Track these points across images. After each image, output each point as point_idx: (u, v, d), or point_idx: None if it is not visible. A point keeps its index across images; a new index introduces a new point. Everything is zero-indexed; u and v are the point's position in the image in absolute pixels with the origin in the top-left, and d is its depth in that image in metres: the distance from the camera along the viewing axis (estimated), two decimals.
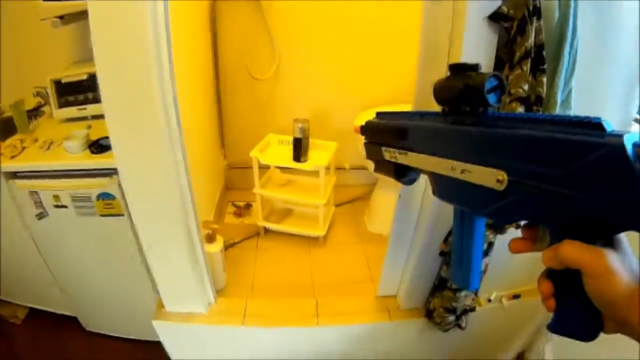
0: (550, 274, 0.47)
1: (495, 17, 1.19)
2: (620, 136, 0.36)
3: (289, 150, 2.36)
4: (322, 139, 2.46)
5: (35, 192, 1.62)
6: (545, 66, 1.17)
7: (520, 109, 1.19)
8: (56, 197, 1.61)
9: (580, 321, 0.45)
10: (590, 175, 0.38)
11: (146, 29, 1.13)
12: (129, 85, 1.21)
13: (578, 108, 1.25)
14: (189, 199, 1.46)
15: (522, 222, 0.52)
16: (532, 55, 1.15)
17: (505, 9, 1.17)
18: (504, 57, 1.25)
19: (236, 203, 2.91)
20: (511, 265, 1.65)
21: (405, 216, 1.59)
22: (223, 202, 2.92)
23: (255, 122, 2.87)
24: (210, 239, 2.01)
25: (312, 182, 2.51)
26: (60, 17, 1.68)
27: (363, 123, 0.77)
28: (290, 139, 2.33)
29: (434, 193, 0.62)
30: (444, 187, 0.60)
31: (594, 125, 0.39)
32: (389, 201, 2.44)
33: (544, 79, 1.18)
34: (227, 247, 2.47)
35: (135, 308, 1.98)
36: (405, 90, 2.63)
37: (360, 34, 2.61)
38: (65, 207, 1.63)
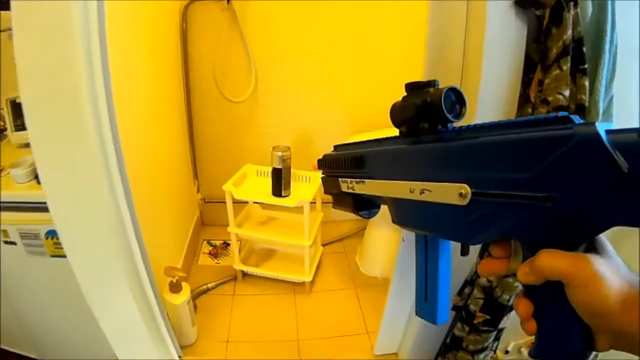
0: (528, 292, 0.44)
1: (524, 2, 0.95)
2: (592, 124, 0.34)
3: (268, 182, 2.06)
4: (307, 169, 2.18)
5: None
6: (586, 66, 0.93)
7: None
8: (4, 232, 1.42)
9: (567, 341, 0.41)
10: (563, 170, 0.36)
11: (74, 31, 0.98)
12: (55, 108, 1.04)
13: (619, 120, 1.01)
14: (135, 241, 1.31)
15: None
16: (571, 52, 0.89)
17: None
18: (534, 55, 1.00)
19: (212, 241, 2.62)
20: None
21: (410, 261, 1.35)
22: (197, 240, 2.63)
23: (231, 151, 2.60)
24: (174, 288, 1.73)
25: (296, 218, 2.23)
26: None
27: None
28: (270, 169, 2.03)
29: (393, 221, 0.59)
30: (404, 212, 0.57)
31: (562, 120, 0.37)
32: (384, 238, 2.23)
33: (586, 83, 0.93)
34: (200, 293, 2.20)
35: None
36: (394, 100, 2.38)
37: (349, 48, 2.37)
38: (15, 243, 1.45)
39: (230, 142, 2.58)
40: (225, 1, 2.18)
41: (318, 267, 2.35)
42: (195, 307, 2.06)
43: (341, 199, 0.70)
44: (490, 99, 1.04)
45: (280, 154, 1.95)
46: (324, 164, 0.74)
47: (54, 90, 1.01)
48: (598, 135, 0.33)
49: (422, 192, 0.51)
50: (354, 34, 2.32)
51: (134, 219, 1.28)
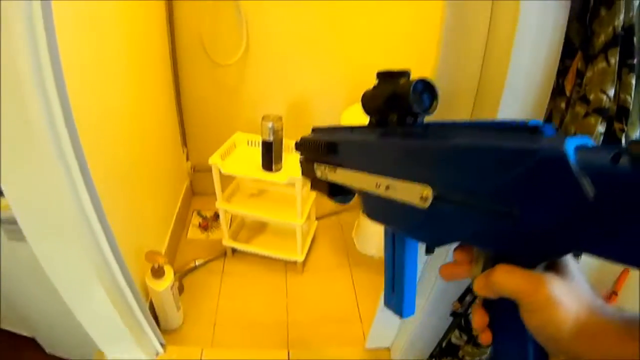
0: (485, 303, 0.42)
1: None
2: (561, 139, 0.31)
3: (259, 153, 1.89)
4: None
5: None
6: (635, 61, 0.75)
7: (601, 128, 0.76)
8: None
9: (521, 358, 0.39)
10: (527, 187, 0.33)
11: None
12: None
13: None
14: (101, 232, 1.21)
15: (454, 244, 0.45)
16: (620, 41, 0.72)
17: None
18: (575, 38, 0.82)
19: (202, 213, 2.49)
20: None
21: None
22: (186, 211, 2.50)
23: (222, 117, 2.42)
24: (156, 273, 1.63)
25: (289, 191, 2.06)
26: None
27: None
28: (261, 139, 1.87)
29: (363, 212, 0.58)
30: (371, 205, 0.55)
31: (531, 129, 0.34)
32: None
33: (633, 81, 0.76)
34: (187, 272, 2.06)
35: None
36: (407, 66, 2.16)
37: (354, 8, 2.11)
38: None
39: (220, 108, 2.40)
40: None
41: (312, 242, 2.23)
42: (182, 287, 1.97)
43: (317, 183, 0.70)
44: (518, 88, 0.86)
45: (270, 124, 1.77)
46: (301, 147, 0.73)
47: None
48: (564, 154, 0.30)
49: (387, 188, 0.49)
50: None
51: (98, 207, 1.17)
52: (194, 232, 2.38)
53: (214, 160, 1.86)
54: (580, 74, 0.81)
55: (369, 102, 0.54)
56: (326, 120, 2.16)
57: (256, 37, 2.17)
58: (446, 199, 0.41)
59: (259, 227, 2.31)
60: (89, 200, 1.13)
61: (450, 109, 1.01)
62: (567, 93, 0.86)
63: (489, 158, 0.36)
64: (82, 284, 1.27)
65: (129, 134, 1.66)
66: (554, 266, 0.37)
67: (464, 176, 0.39)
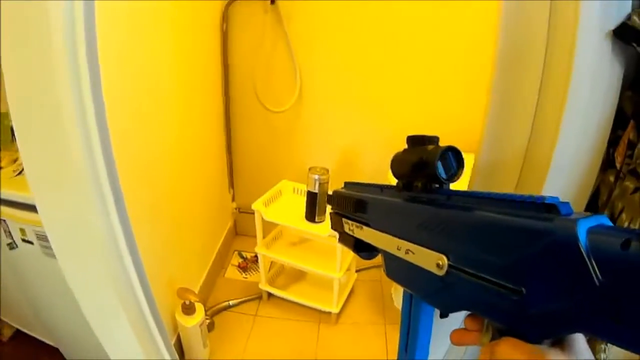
0: None
1: (622, 34, 0.75)
2: (574, 221, 0.30)
3: (304, 202, 1.90)
4: None
5: (4, 220, 1.44)
6: None
7: None
8: (22, 230, 1.42)
9: None
10: (536, 267, 0.33)
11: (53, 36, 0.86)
12: (39, 122, 0.95)
13: None
14: (132, 270, 1.22)
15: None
16: None
17: (637, 19, 0.72)
18: (627, 107, 0.81)
19: (243, 253, 2.51)
20: None
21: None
22: (227, 250, 2.53)
23: (269, 162, 2.47)
24: (187, 310, 1.64)
25: (331, 243, 2.06)
26: None
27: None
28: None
29: (384, 271, 0.59)
30: (392, 266, 0.57)
31: (548, 207, 0.34)
32: None
33: None
34: (220, 310, 2.06)
35: None
36: (457, 128, 2.12)
37: (405, 60, 2.12)
38: (32, 243, 1.43)
39: (268, 153, 2.45)
40: (269, 1, 2.02)
41: (349, 294, 2.19)
42: (212, 324, 1.97)
43: (344, 237, 0.71)
44: (566, 160, 0.83)
45: (316, 176, 1.78)
46: (332, 200, 0.75)
47: (37, 103, 0.93)
48: (576, 237, 0.30)
49: (407, 252, 0.50)
50: (411, 44, 2.07)
51: (129, 237, 1.17)
52: (232, 272, 2.39)
53: (257, 206, 1.90)
54: (631, 145, 0.78)
55: (397, 165, 0.56)
56: (373, 175, 2.17)
57: (309, 87, 2.22)
58: (460, 269, 0.41)
59: (298, 275, 2.29)
60: (120, 229, 1.14)
61: (494, 178, 0.99)
62: (617, 165, 0.82)
63: (502, 234, 0.37)
64: (105, 310, 1.28)
65: (175, 170, 1.72)
66: (560, 343, 0.37)
67: (478, 249, 0.39)
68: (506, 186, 0.97)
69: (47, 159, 0.99)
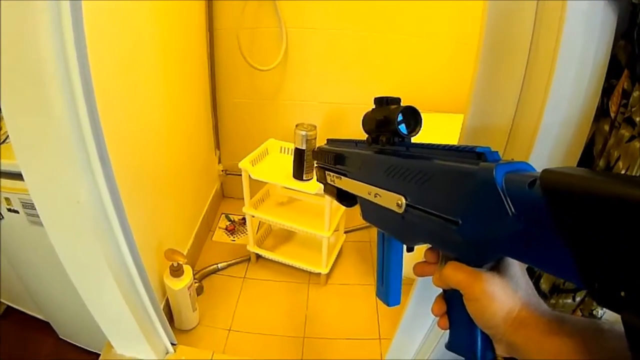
0: (444, 295, 0.52)
1: None
2: (493, 165, 0.38)
3: (291, 161, 1.87)
4: None
5: None
6: None
7: None
8: (7, 199, 1.39)
9: (470, 340, 0.47)
10: (467, 202, 0.41)
11: None
12: (22, 82, 0.93)
13: None
14: (119, 229, 1.21)
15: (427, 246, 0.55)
16: None
17: None
18: (621, 56, 0.76)
19: (230, 216, 2.48)
20: None
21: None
22: (214, 213, 2.50)
23: (256, 122, 2.41)
24: (175, 272, 1.62)
25: (319, 202, 2.03)
26: None
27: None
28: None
29: (361, 215, 0.67)
30: (366, 210, 0.65)
31: (479, 155, 0.41)
32: None
33: None
34: (208, 273, 2.06)
35: None
36: (446, 92, 2.16)
37: (394, 19, 2.07)
38: (17, 212, 1.41)
39: (255, 113, 2.39)
40: None
41: (338, 256, 2.18)
42: (201, 288, 1.95)
43: (328, 189, 0.79)
44: (560, 109, 0.79)
45: (303, 132, 1.74)
46: (316, 155, 0.83)
47: (19, 62, 0.90)
48: (493, 177, 0.37)
49: (375, 196, 0.59)
50: (401, 5, 2.02)
51: (116, 201, 1.17)
52: (220, 235, 2.36)
53: (244, 164, 1.85)
54: (626, 94, 0.75)
55: (366, 123, 0.63)
56: (359, 131, 2.13)
57: (295, 45, 2.16)
58: (415, 207, 0.50)
59: (286, 236, 2.28)
60: (107, 193, 1.13)
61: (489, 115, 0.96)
62: (612, 114, 0.79)
63: (444, 176, 0.45)
64: (94, 276, 1.27)
65: (159, 131, 1.67)
66: (497, 266, 0.45)
67: (427, 189, 0.48)
68: (500, 133, 0.95)
69: (33, 125, 0.98)
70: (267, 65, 2.14)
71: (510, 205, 0.36)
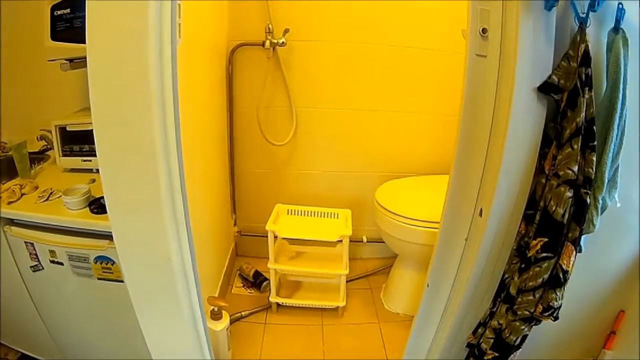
0: None
1: (545, 89, 1.11)
2: None
3: (299, 221, 2.29)
4: (337, 207, 2.44)
5: (31, 243, 1.51)
6: (595, 143, 1.07)
7: (569, 193, 1.08)
8: (52, 252, 1.50)
9: None
10: None
11: (150, 75, 1.03)
12: (127, 142, 1.10)
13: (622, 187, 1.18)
14: (192, 275, 1.35)
15: None
16: (583, 131, 1.05)
17: (555, 78, 1.09)
18: (551, 133, 1.16)
19: (243, 274, 2.75)
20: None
21: (432, 305, 1.53)
22: (232, 270, 2.76)
23: (267, 189, 2.77)
24: (215, 316, 1.88)
25: (323, 252, 2.42)
26: (70, 60, 1.62)
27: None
28: (301, 209, 2.37)
29: None
30: None
31: None
32: (409, 278, 2.36)
33: (594, 158, 1.08)
34: (233, 321, 2.32)
35: None
36: (431, 157, 2.64)
37: (380, 103, 2.57)
38: (62, 264, 1.52)
39: (266, 180, 2.73)
40: (271, 49, 2.34)
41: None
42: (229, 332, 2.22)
43: None
44: (511, 167, 1.19)
45: None
46: None
47: (131, 140, 1.09)
48: None
49: None
50: (390, 86, 2.51)
51: (193, 257, 1.33)
52: (238, 289, 2.63)
53: (271, 226, 2.19)
54: (554, 157, 1.14)
55: None
56: (360, 191, 2.67)
57: (303, 123, 2.58)
58: None
59: (295, 286, 2.57)
60: (188, 251, 1.29)
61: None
62: (546, 171, 1.18)
63: None
64: (170, 327, 1.42)
65: (198, 199, 1.91)
66: None
67: None
68: (474, 189, 1.33)
69: (141, 191, 1.14)
70: (280, 140, 2.54)
71: None
